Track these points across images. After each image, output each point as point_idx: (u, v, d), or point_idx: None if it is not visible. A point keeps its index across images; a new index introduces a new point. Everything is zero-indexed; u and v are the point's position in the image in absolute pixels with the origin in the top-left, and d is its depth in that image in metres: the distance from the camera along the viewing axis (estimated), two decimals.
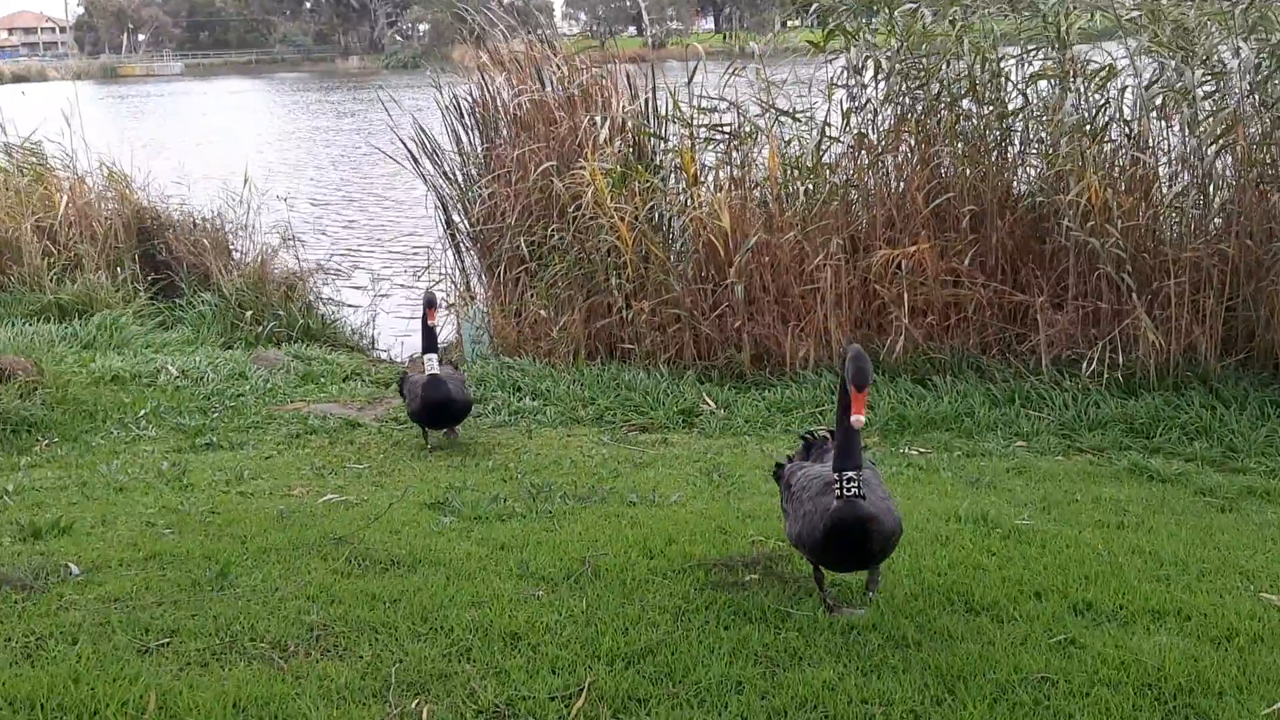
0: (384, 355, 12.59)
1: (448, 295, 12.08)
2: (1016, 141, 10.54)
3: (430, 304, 7.61)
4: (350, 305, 13.84)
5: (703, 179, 10.85)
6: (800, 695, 4.12)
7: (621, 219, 10.07)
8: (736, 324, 10.04)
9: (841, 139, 10.57)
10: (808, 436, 5.37)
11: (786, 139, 10.63)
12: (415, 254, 15.46)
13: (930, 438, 8.29)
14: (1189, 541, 5.98)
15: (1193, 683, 4.26)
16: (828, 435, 5.25)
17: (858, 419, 4.40)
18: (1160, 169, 10.03)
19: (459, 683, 4.17)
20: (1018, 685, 4.25)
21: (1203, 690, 4.21)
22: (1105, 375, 9.07)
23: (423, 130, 12.69)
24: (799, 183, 10.56)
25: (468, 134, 12.66)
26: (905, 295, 9.65)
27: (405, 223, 19.83)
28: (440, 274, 12.53)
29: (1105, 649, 4.55)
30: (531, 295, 10.93)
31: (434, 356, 7.49)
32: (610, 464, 7.47)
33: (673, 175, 11.30)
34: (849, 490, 4.43)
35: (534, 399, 9.20)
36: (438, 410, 7.54)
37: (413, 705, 4.01)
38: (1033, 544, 5.89)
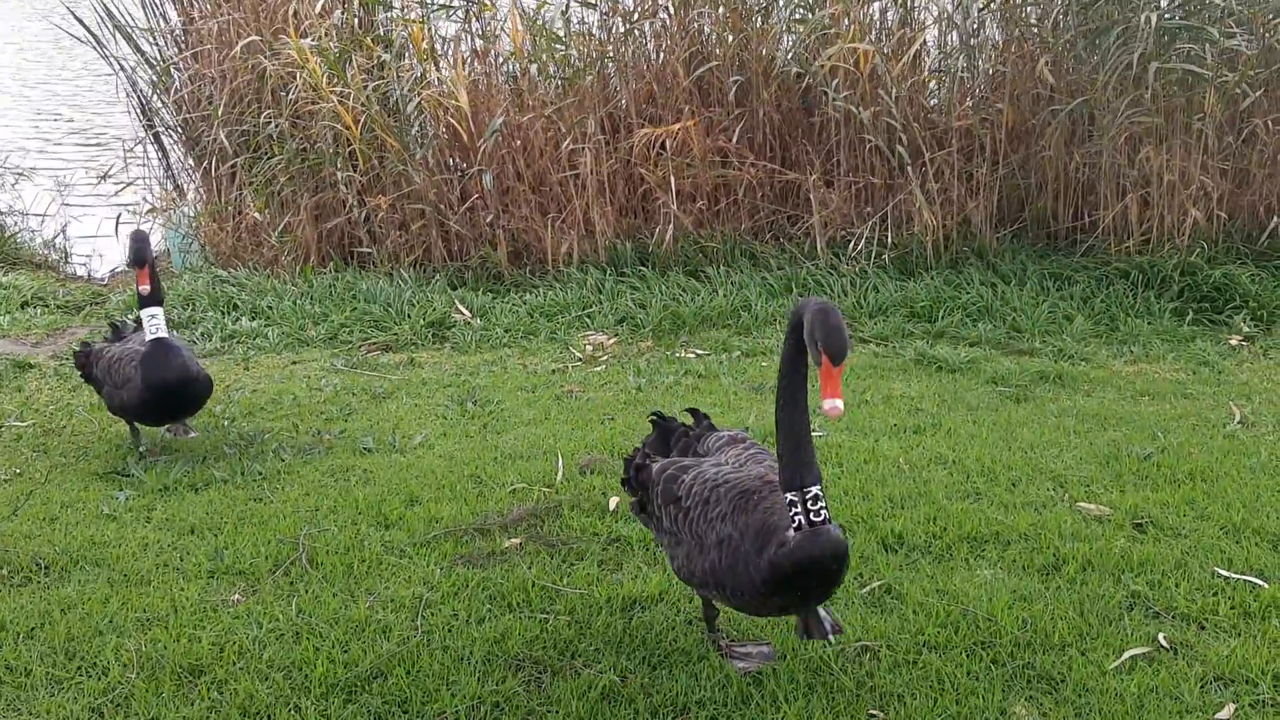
0: (78, 272, 10.73)
1: (148, 198, 10.32)
2: (780, 4, 9.68)
3: (139, 249, 5.18)
4: (35, 214, 11.72)
5: (441, 53, 9.49)
6: (575, 713, 3.23)
7: (343, 103, 8.65)
8: (489, 218, 8.90)
9: (594, 3, 9.43)
10: (659, 419, 3.82)
11: (533, 5, 9.41)
12: (113, 150, 13.35)
13: (707, 337, 7.52)
14: (991, 443, 5.43)
15: (1029, 635, 3.64)
16: (692, 419, 3.85)
17: (834, 405, 3.03)
18: (927, 33, 9.44)
19: None
20: (835, 664, 3.50)
21: (1042, 645, 3.59)
22: (883, 256, 8.53)
23: None
24: (549, 56, 9.38)
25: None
26: (672, 178, 8.76)
27: (104, 115, 17.30)
28: (140, 172, 10.69)
29: (927, 598, 3.88)
30: (248, 194, 9.39)
31: (158, 313, 5.12)
32: (343, 398, 6.29)
33: (407, 50, 9.87)
34: (816, 517, 3.04)
35: (253, 319, 7.83)
36: (169, 396, 5.10)
37: None
38: (829, 461, 5.20)
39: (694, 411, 3.80)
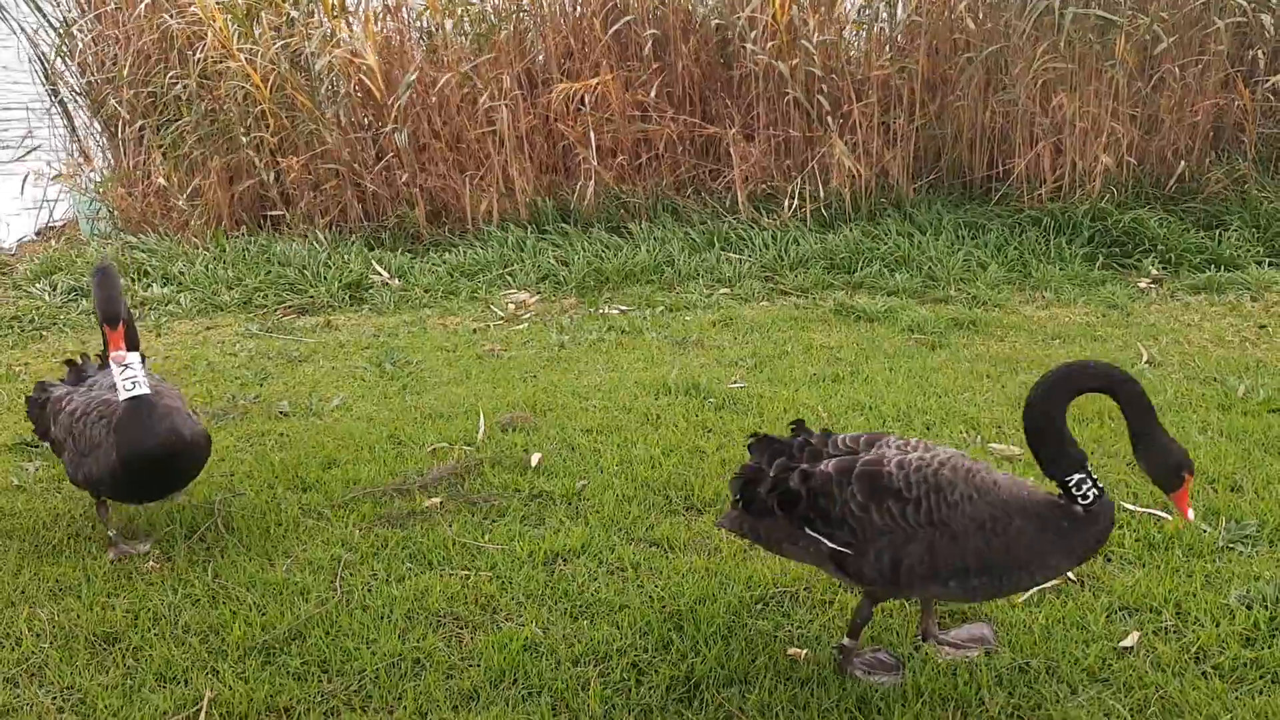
0: None
1: (54, 164, 10.00)
2: None
3: (110, 301, 3.76)
4: None
5: (351, 10, 9.29)
6: (495, 667, 3.24)
7: (251, 62, 8.43)
8: (405, 177, 8.77)
9: None
10: (759, 437, 3.38)
11: None
12: (14, 115, 12.90)
13: (631, 293, 7.51)
14: (907, 390, 5.52)
15: None
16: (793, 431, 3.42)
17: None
18: None
19: None
20: (753, 607, 3.55)
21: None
22: (804, 209, 8.58)
23: None
24: (463, 11, 9.23)
25: None
26: (592, 134, 8.71)
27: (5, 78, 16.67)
28: (45, 138, 10.35)
29: None
30: (156, 158, 9.14)
31: (134, 361, 3.76)
32: (258, 362, 6.19)
33: (316, 7, 9.64)
34: (1095, 491, 3.05)
35: (165, 285, 7.66)
36: (154, 471, 3.79)
37: None
38: (749, 412, 5.25)
39: (798, 423, 3.41)
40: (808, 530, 3.12)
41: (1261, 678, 3.13)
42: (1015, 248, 8.07)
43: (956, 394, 5.48)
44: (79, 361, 4.41)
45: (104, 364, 4.19)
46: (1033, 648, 3.30)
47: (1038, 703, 3.07)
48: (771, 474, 3.18)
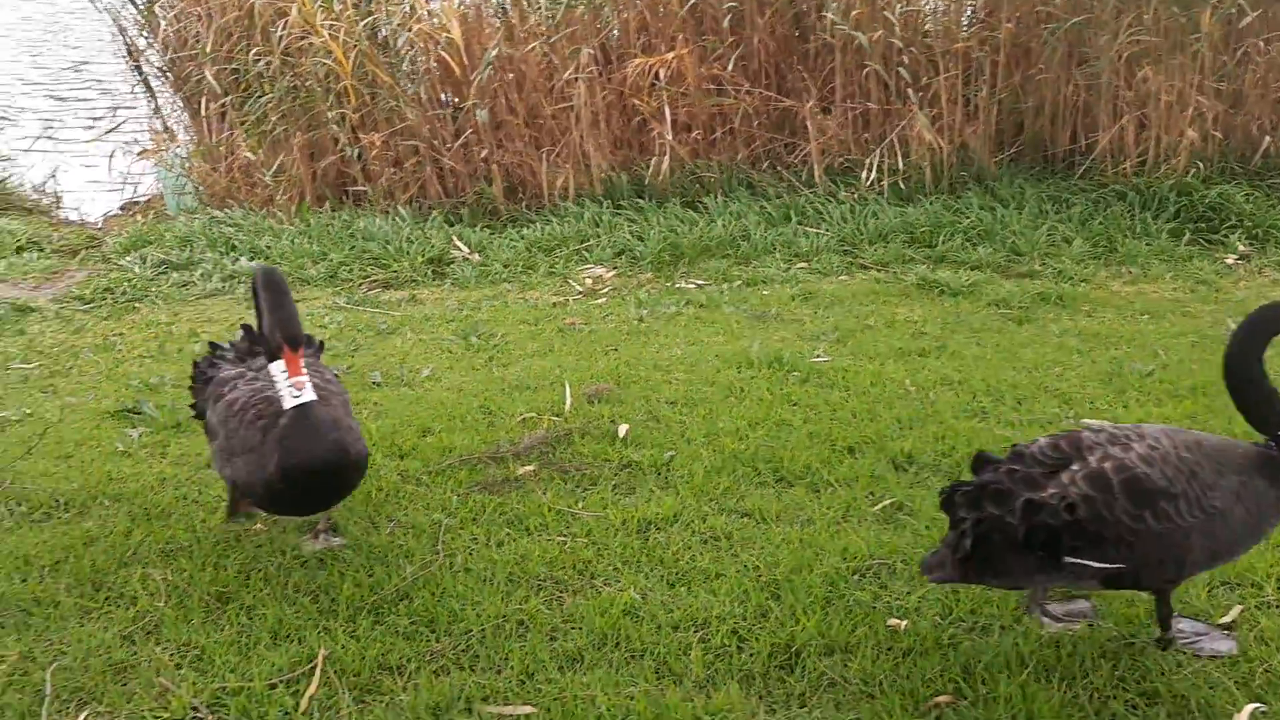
0: (72, 216, 10.66)
1: (139, 140, 10.22)
2: None
3: (289, 323, 3.45)
4: (21, 155, 11.59)
5: None
6: (597, 630, 3.28)
7: (334, 38, 8.54)
8: (484, 153, 8.83)
9: None
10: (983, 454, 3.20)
11: None
12: (100, 93, 13.21)
13: (707, 268, 7.51)
14: (996, 364, 5.48)
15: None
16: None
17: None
18: None
19: (143, 679, 3.10)
20: (850, 578, 3.56)
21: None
22: (881, 182, 8.51)
23: None
24: None
25: None
26: (667, 109, 8.70)
27: (94, 57, 17.05)
28: (130, 114, 10.58)
29: (938, 513, 3.90)
30: (240, 134, 9.30)
31: (301, 364, 3.46)
32: (348, 334, 6.31)
33: None
34: None
35: (252, 259, 7.80)
36: (314, 487, 3.49)
37: None
38: (835, 386, 5.24)
39: (980, 455, 3.16)
40: (1068, 559, 2.91)
41: None
42: (1100, 222, 7.93)
43: (1047, 369, 5.42)
44: (254, 328, 3.95)
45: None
46: (1138, 621, 3.27)
47: (1142, 675, 3.05)
48: (1019, 519, 2.88)
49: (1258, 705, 2.90)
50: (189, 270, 7.68)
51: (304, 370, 3.37)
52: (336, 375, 4.03)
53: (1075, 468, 2.95)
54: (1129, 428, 3.09)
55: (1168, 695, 2.96)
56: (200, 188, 9.55)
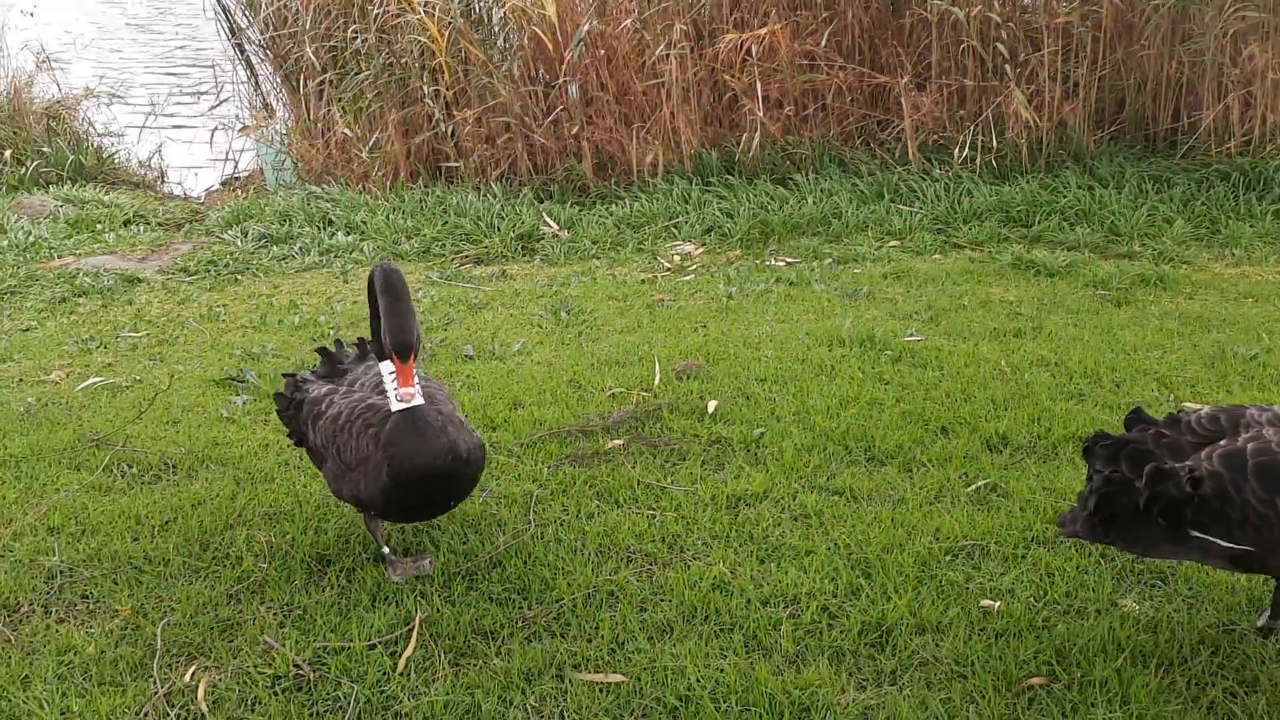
0: (175, 190, 10.99)
1: (240, 117, 10.48)
2: None
3: (402, 331, 3.26)
4: (128, 130, 11.94)
5: None
6: (687, 602, 3.31)
7: (430, 14, 8.64)
8: (574, 130, 8.88)
9: None
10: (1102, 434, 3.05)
11: None
12: (202, 69, 13.54)
13: (797, 245, 7.47)
14: (1094, 346, 5.37)
15: None
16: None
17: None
18: None
19: (248, 636, 3.21)
20: (942, 558, 3.53)
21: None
22: (976, 160, 8.36)
23: None
24: None
25: None
26: (758, 84, 8.64)
27: (187, 33, 17.48)
28: (230, 91, 10.84)
29: (1034, 496, 3.88)
30: (337, 110, 9.48)
31: (413, 373, 3.29)
32: (441, 308, 6.41)
33: None
34: None
35: (348, 234, 7.97)
36: (430, 490, 3.34)
37: (185, 678, 3.04)
38: (929, 365, 5.18)
39: (1136, 411, 3.13)
40: (1194, 533, 2.83)
41: None
42: (1202, 203, 7.71)
43: (1146, 351, 5.30)
44: (333, 349, 3.86)
45: (362, 353, 3.82)
46: (1239, 609, 3.20)
47: (1242, 662, 2.98)
48: (1144, 484, 2.81)
49: None
50: (288, 244, 7.87)
51: (415, 381, 3.21)
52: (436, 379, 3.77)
53: (1224, 444, 2.86)
54: None
55: (1268, 684, 2.89)
56: (298, 163, 9.77)
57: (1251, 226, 7.40)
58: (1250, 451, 2.79)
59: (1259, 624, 3.13)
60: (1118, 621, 3.15)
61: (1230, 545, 2.80)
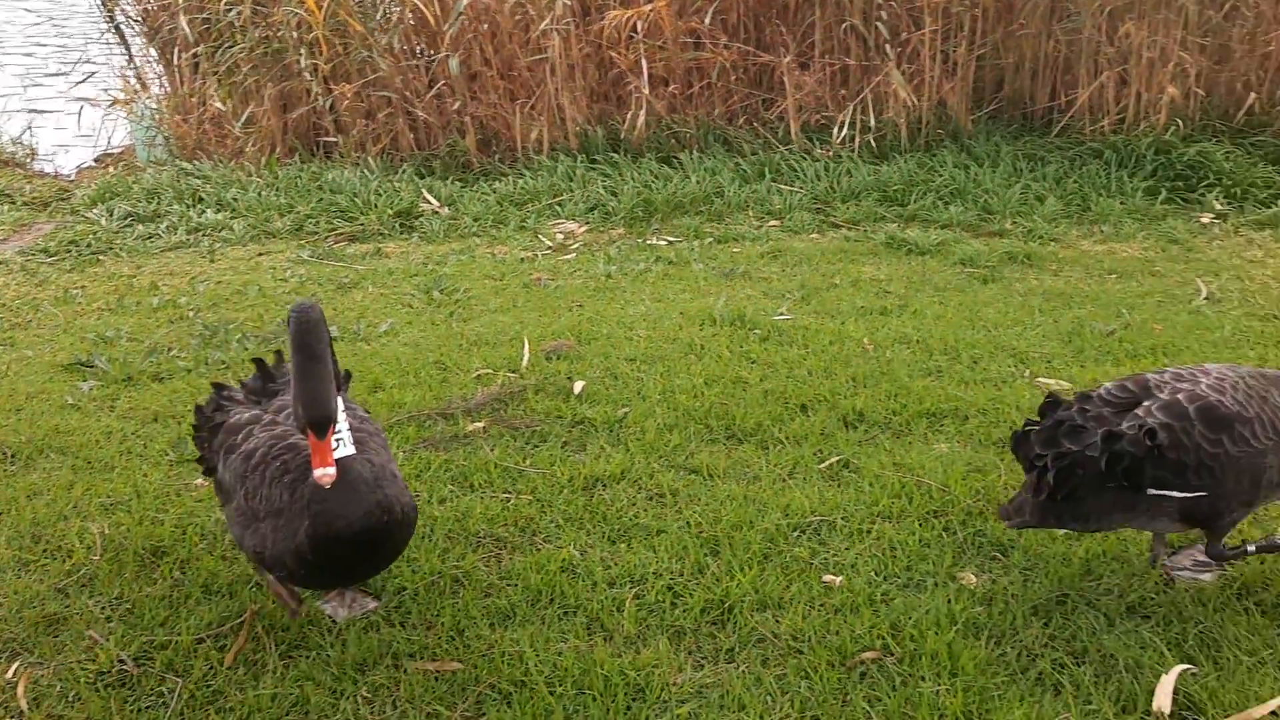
0: (46, 168, 10.56)
1: (110, 91, 10.10)
2: None
3: (318, 405, 2.71)
4: None
5: None
6: (533, 586, 3.28)
7: None
8: (456, 105, 8.75)
9: None
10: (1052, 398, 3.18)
11: None
12: (74, 41, 13.02)
13: (679, 224, 7.46)
14: (956, 323, 5.46)
15: (982, 504, 3.70)
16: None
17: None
18: None
19: (74, 632, 3.09)
20: (790, 534, 3.56)
21: (994, 512, 3.65)
22: (856, 140, 8.44)
23: None
24: None
25: None
26: (644, 62, 8.60)
27: (63, 3, 16.78)
28: (104, 65, 10.44)
29: (884, 471, 3.93)
30: (211, 85, 9.20)
31: (342, 418, 2.84)
32: (308, 288, 6.27)
33: None
34: None
35: (219, 211, 7.74)
36: (356, 554, 2.86)
37: (8, 675, 2.92)
38: (794, 344, 5.22)
39: (1051, 398, 3.16)
40: (1151, 491, 2.97)
41: None
42: (1075, 181, 7.89)
43: (1006, 328, 5.40)
44: (269, 363, 3.39)
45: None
46: (1071, 580, 3.27)
47: (1073, 634, 3.05)
48: (1101, 448, 2.93)
49: (1187, 667, 2.90)
50: (154, 223, 7.62)
51: (333, 460, 2.69)
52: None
53: (1148, 403, 3.01)
54: (1193, 367, 3.16)
55: (1096, 654, 2.96)
56: (171, 139, 9.46)
57: (1122, 203, 7.59)
58: (1186, 398, 2.97)
59: (1209, 554, 3.24)
60: (954, 594, 3.20)
61: (1185, 495, 2.96)
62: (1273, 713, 2.67)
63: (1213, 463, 2.94)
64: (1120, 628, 3.07)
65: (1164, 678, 2.83)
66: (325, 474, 2.66)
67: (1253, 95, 8.44)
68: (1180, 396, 2.98)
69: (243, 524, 2.97)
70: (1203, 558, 3.31)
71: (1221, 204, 7.65)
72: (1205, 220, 7.41)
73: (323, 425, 2.66)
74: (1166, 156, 8.05)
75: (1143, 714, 2.71)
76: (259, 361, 3.40)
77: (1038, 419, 3.14)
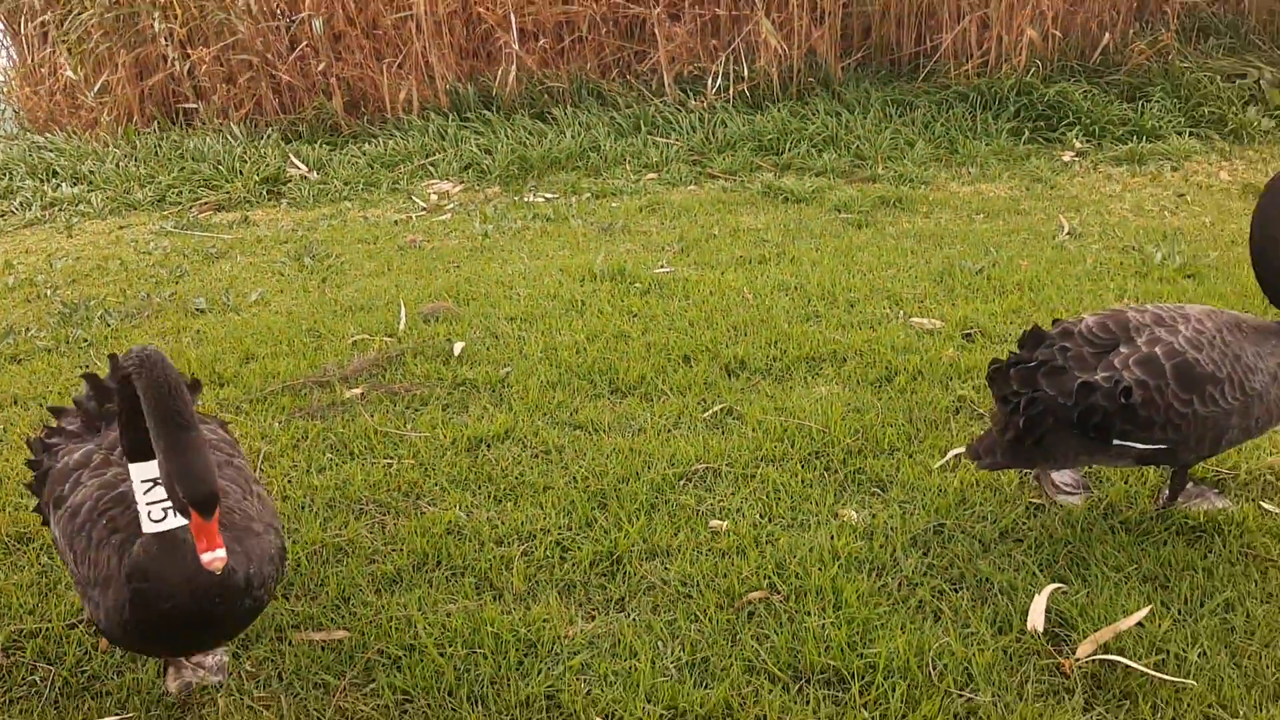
0: None
1: None
2: None
3: (198, 482, 2.20)
4: None
5: None
6: (418, 550, 3.24)
7: None
8: (321, 67, 8.50)
9: None
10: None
11: None
12: None
13: (556, 180, 7.40)
14: (832, 268, 5.54)
15: (861, 443, 3.77)
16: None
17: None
18: None
19: None
20: (676, 484, 3.58)
21: (872, 451, 3.73)
22: (730, 90, 8.47)
23: None
24: None
25: None
26: (513, 16, 8.47)
27: None
28: None
29: (766, 417, 3.98)
30: (62, 53, 8.76)
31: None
32: (173, 260, 6.05)
33: None
34: None
35: (75, 184, 7.40)
36: (192, 632, 2.44)
37: None
38: (675, 296, 5.23)
39: (1034, 329, 3.18)
40: (1116, 441, 3.02)
41: (1166, 530, 3.23)
42: (942, 124, 8.06)
43: (881, 270, 5.50)
44: (102, 378, 2.92)
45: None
46: (947, 511, 3.37)
47: (950, 561, 3.14)
48: (1074, 401, 2.98)
49: (1059, 586, 3.01)
50: (7, 199, 7.27)
51: (221, 540, 2.23)
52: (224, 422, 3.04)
53: (1125, 350, 3.04)
54: (1172, 308, 3.18)
55: (972, 580, 3.06)
56: (20, 112, 9.01)
57: (987, 145, 7.78)
58: (1164, 355, 3.01)
59: (1159, 505, 3.34)
60: (836, 531, 3.27)
61: (1148, 447, 3.02)
62: (1139, 624, 2.80)
63: (1180, 420, 3.00)
64: (994, 553, 3.17)
65: (1037, 598, 2.93)
66: (215, 558, 2.20)
67: (1107, 35, 8.72)
68: (1158, 351, 3.01)
69: (80, 590, 2.53)
70: (1190, 488, 3.40)
71: (1081, 142, 7.91)
72: (1066, 158, 7.66)
73: (210, 505, 2.20)
74: (1028, 98, 8.28)
75: (1018, 633, 2.81)
76: (90, 377, 2.90)
77: (1017, 350, 3.18)
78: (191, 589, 2.32)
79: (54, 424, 2.87)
